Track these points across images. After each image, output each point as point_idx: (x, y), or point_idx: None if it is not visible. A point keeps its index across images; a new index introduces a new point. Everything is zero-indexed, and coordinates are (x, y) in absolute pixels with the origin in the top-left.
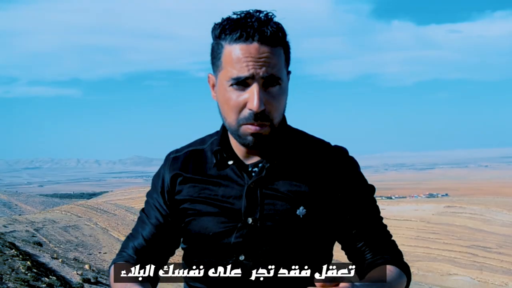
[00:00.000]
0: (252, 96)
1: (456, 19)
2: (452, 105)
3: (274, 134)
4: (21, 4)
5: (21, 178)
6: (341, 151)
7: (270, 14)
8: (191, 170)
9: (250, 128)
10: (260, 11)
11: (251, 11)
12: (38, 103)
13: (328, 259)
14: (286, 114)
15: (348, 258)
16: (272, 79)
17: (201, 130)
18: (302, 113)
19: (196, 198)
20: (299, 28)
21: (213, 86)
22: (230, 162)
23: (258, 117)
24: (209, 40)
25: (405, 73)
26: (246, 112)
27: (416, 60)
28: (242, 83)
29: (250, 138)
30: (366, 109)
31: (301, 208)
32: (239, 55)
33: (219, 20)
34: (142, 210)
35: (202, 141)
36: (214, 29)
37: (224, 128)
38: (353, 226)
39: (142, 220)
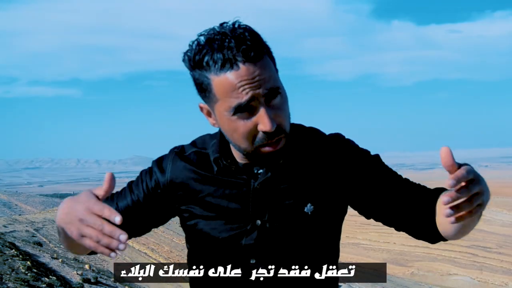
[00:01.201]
0: (262, 119)
1: (456, 19)
2: (452, 105)
3: (287, 143)
4: (21, 4)
5: (21, 178)
6: (337, 138)
7: (239, 23)
8: (197, 173)
9: (268, 150)
10: (227, 25)
11: (216, 28)
12: (38, 103)
13: (336, 256)
14: None
15: (397, 228)
16: (272, 92)
17: (201, 130)
18: (302, 113)
19: (203, 201)
20: (299, 28)
21: (208, 113)
22: (233, 168)
23: (274, 134)
24: None
25: (405, 73)
26: (260, 135)
27: (416, 60)
28: (245, 109)
29: (268, 156)
30: (366, 109)
31: (309, 205)
32: (232, 83)
33: (187, 47)
34: (130, 183)
35: (203, 142)
36: (187, 59)
37: (222, 134)
38: (383, 196)
39: (124, 191)
